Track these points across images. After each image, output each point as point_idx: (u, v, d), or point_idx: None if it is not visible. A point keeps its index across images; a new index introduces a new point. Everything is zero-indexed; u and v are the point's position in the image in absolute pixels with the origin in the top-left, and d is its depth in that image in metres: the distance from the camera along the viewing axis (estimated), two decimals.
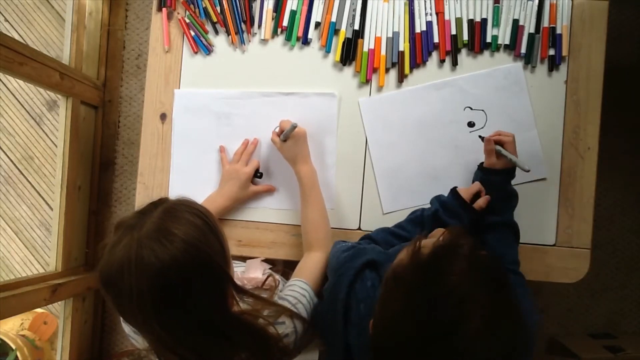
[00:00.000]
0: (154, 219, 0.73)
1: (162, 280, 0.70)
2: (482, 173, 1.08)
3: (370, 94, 1.17)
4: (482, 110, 1.15)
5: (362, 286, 0.85)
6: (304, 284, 0.95)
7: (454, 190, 1.05)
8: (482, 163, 1.09)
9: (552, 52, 1.14)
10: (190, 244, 0.72)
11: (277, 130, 1.13)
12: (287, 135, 1.07)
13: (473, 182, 1.11)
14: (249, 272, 1.05)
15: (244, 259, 1.16)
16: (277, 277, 1.02)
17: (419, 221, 1.06)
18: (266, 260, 1.20)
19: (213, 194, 1.16)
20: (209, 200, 1.14)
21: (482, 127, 1.15)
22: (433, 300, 0.63)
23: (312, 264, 1.02)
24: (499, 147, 1.05)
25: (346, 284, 0.86)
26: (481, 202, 1.03)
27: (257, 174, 1.16)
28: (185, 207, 0.78)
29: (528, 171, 1.03)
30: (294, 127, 1.06)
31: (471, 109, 1.16)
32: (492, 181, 1.05)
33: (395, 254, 0.75)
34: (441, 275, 0.65)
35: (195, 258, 0.72)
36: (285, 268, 1.23)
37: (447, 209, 1.03)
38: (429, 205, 1.08)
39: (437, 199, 1.06)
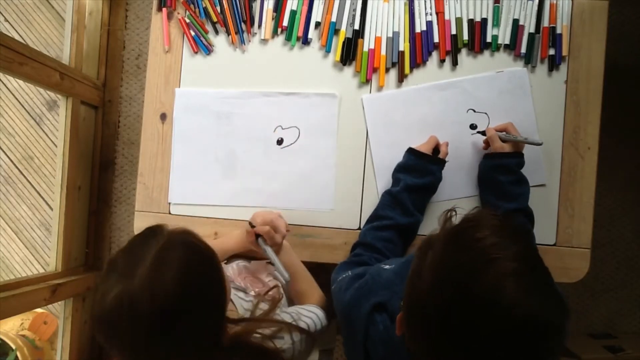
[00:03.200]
0: (147, 265, 0.68)
1: (155, 326, 0.67)
2: (492, 159, 1.08)
3: (370, 94, 1.17)
4: (485, 113, 1.15)
5: (375, 330, 0.83)
6: (314, 307, 0.95)
7: (412, 150, 1.07)
8: (486, 154, 1.10)
9: (552, 52, 1.14)
10: (185, 293, 0.68)
11: (279, 133, 1.12)
12: (270, 260, 1.00)
13: (479, 176, 1.13)
14: (254, 271, 1.04)
15: (248, 258, 1.16)
16: (281, 289, 1.01)
17: (395, 202, 1.06)
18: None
19: (227, 236, 1.12)
20: (222, 239, 1.12)
21: (483, 130, 1.15)
22: (465, 247, 0.61)
23: (317, 301, 1.02)
24: (501, 133, 1.06)
25: (361, 333, 0.84)
26: (444, 148, 1.09)
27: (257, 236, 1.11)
28: (182, 246, 0.72)
29: (541, 144, 1.05)
30: (286, 278, 0.96)
31: (474, 111, 1.16)
32: (504, 164, 1.06)
33: (401, 285, 0.72)
34: (472, 229, 0.63)
35: (190, 304, 0.69)
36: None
37: (414, 170, 1.05)
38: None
39: (398, 171, 1.08)
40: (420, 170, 1.07)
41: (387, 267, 0.90)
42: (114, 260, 0.71)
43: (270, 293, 0.93)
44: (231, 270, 1.00)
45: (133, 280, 0.66)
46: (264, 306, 0.89)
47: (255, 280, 1.00)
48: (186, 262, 0.70)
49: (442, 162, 1.09)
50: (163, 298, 0.66)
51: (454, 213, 0.68)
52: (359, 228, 1.16)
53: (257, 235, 1.00)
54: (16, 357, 1.67)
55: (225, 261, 1.12)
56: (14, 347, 1.68)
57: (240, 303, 0.90)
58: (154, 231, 0.74)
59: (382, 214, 1.07)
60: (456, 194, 1.15)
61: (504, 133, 1.08)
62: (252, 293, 0.93)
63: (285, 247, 1.05)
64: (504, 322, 0.57)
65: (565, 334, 0.59)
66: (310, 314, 0.93)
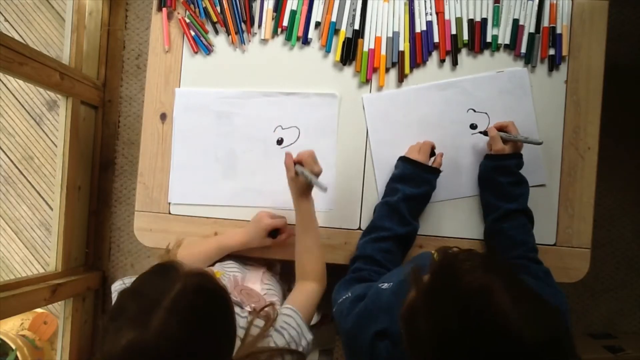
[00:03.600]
0: (162, 314, 0.64)
1: None
2: (492, 160, 1.08)
3: (370, 94, 1.17)
4: (485, 113, 1.15)
5: (379, 358, 0.83)
6: (297, 316, 0.93)
7: (407, 159, 1.08)
8: (487, 154, 1.10)
9: (552, 52, 1.14)
10: (200, 341, 0.66)
11: (278, 133, 1.12)
12: (308, 179, 0.99)
13: (479, 176, 1.13)
14: (247, 281, 1.04)
15: (243, 259, 1.16)
16: (276, 302, 1.00)
17: (392, 212, 1.06)
18: (264, 261, 1.21)
19: (239, 229, 1.14)
20: (230, 233, 1.13)
21: (485, 130, 1.15)
22: (452, 303, 0.61)
23: (307, 295, 1.01)
24: (503, 133, 1.07)
25: None
26: (439, 159, 1.09)
27: (273, 233, 1.12)
28: (198, 293, 0.69)
29: (541, 143, 1.05)
30: (324, 189, 0.96)
31: (474, 111, 1.16)
32: (505, 165, 1.06)
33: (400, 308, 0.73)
34: (454, 279, 0.62)
35: (203, 350, 0.67)
36: (282, 270, 1.23)
37: (411, 179, 1.05)
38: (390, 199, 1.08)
39: (395, 182, 1.08)
40: (416, 179, 1.07)
41: (385, 286, 0.90)
42: (125, 301, 0.68)
43: (266, 309, 0.92)
44: (227, 282, 1.00)
45: (147, 329, 0.63)
46: (258, 322, 0.88)
47: (250, 293, 0.99)
48: (202, 312, 0.68)
49: (438, 172, 1.09)
50: (177, 347, 0.65)
51: (421, 268, 0.68)
52: (359, 228, 1.16)
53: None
54: (16, 357, 1.67)
55: (218, 262, 1.12)
56: (14, 347, 1.68)
57: (237, 320, 0.90)
58: (166, 271, 0.71)
59: (379, 225, 1.06)
60: (456, 194, 1.15)
61: (505, 133, 1.08)
62: (248, 309, 0.92)
63: (309, 225, 1.05)
64: (510, 348, 0.57)
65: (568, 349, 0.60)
66: (296, 326, 0.91)
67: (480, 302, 0.59)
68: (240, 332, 0.82)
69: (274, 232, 1.12)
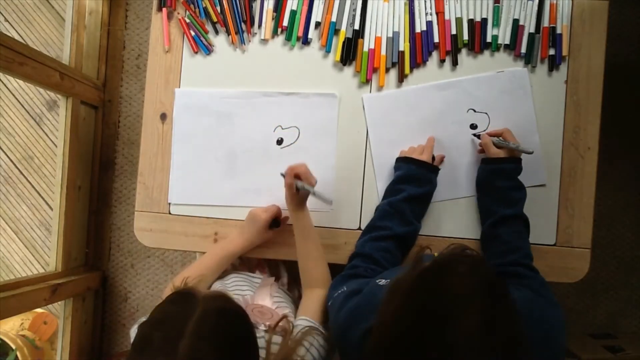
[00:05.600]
0: (188, 340, 0.64)
1: None
2: (489, 164, 1.08)
3: (370, 94, 1.17)
4: (486, 113, 1.15)
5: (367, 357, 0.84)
6: (313, 325, 0.94)
7: (411, 160, 1.08)
8: (483, 158, 1.10)
9: (552, 52, 1.14)
10: None
11: (277, 133, 1.13)
12: (312, 193, 1.01)
13: (477, 180, 1.13)
14: (257, 299, 1.04)
15: (246, 272, 1.17)
16: (288, 313, 1.01)
17: (394, 212, 1.06)
18: (268, 265, 1.21)
19: (234, 233, 1.14)
20: (228, 239, 1.14)
21: (485, 130, 1.15)
22: (432, 295, 0.62)
23: (317, 302, 1.02)
24: (496, 139, 1.07)
25: (354, 358, 0.85)
26: (438, 159, 1.11)
27: (275, 223, 1.14)
28: (219, 314, 0.70)
29: (531, 153, 1.05)
30: (329, 202, 1.03)
31: (474, 111, 1.16)
32: (501, 169, 1.06)
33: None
34: (442, 276, 0.64)
35: None
36: (290, 279, 1.23)
37: (415, 179, 1.06)
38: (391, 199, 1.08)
39: (398, 183, 1.08)
40: (421, 179, 1.08)
41: (382, 283, 0.90)
42: (149, 333, 0.67)
43: (280, 324, 0.92)
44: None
45: (176, 356, 0.63)
46: (276, 339, 0.88)
47: (262, 311, 0.99)
48: (225, 333, 0.68)
49: (438, 170, 1.11)
50: None
51: (428, 250, 0.69)
52: (359, 228, 1.16)
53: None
54: (16, 357, 1.67)
55: (218, 279, 1.12)
56: (14, 347, 1.68)
57: None
58: (186, 298, 0.71)
59: (379, 225, 1.07)
60: (456, 194, 1.15)
61: (498, 139, 1.08)
62: (263, 327, 0.92)
63: (310, 232, 1.06)
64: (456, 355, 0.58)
65: None
66: (319, 347, 0.92)
67: (450, 308, 0.60)
68: (262, 353, 0.81)
69: (272, 224, 1.13)
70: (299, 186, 1.00)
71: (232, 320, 0.71)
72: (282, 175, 1.03)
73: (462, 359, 0.58)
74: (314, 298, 1.03)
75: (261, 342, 0.87)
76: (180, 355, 0.63)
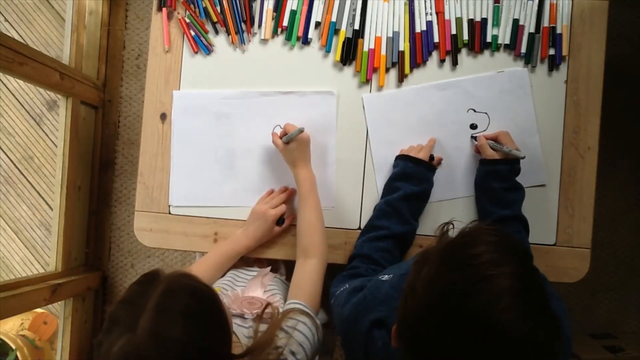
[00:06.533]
0: (149, 314, 0.65)
1: None
2: (485, 165, 1.09)
3: (370, 94, 1.17)
4: (486, 113, 1.15)
5: (374, 347, 0.82)
6: (297, 307, 0.92)
7: (409, 157, 1.09)
8: (481, 160, 1.11)
9: (552, 51, 1.14)
10: (190, 338, 0.66)
11: (277, 131, 1.13)
12: (291, 138, 1.07)
13: (475, 181, 1.13)
14: (248, 291, 1.03)
15: (246, 259, 1.16)
16: (278, 300, 1.00)
17: (392, 211, 1.06)
18: (268, 262, 1.21)
19: (239, 232, 1.14)
20: (233, 239, 1.13)
21: (485, 130, 1.15)
22: (463, 260, 0.61)
23: (309, 277, 1.00)
24: (491, 141, 1.08)
25: (361, 351, 0.84)
26: (437, 160, 1.12)
27: (280, 219, 1.14)
28: (182, 290, 0.70)
29: (523, 157, 1.05)
30: (301, 130, 1.06)
31: (474, 111, 1.16)
32: (497, 171, 1.06)
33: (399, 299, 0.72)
34: (472, 244, 0.63)
35: (197, 348, 0.67)
36: (287, 272, 1.23)
37: (413, 177, 1.06)
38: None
39: (395, 180, 1.09)
40: (418, 177, 1.08)
41: (385, 278, 0.90)
42: (115, 313, 0.68)
43: (267, 311, 0.92)
44: (226, 299, 0.99)
45: (136, 331, 0.64)
46: (263, 327, 0.87)
47: (252, 302, 0.98)
48: (188, 307, 0.68)
49: (435, 169, 1.12)
50: (169, 346, 0.65)
51: (451, 226, 0.69)
52: (359, 228, 1.16)
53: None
54: (16, 357, 1.67)
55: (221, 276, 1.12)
56: (14, 347, 1.68)
57: (240, 331, 0.88)
58: (151, 277, 0.71)
59: (378, 224, 1.07)
60: (455, 194, 1.15)
61: (492, 142, 1.08)
62: (250, 317, 0.92)
63: (308, 196, 1.07)
64: (495, 344, 0.57)
65: (557, 356, 0.59)
66: (304, 329, 0.89)
67: (483, 269, 0.59)
68: (249, 342, 0.81)
69: (277, 222, 1.14)
70: (284, 140, 1.08)
71: (196, 296, 0.71)
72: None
73: (496, 321, 0.57)
74: (305, 273, 1.01)
75: (248, 332, 0.86)
76: (141, 329, 0.64)
